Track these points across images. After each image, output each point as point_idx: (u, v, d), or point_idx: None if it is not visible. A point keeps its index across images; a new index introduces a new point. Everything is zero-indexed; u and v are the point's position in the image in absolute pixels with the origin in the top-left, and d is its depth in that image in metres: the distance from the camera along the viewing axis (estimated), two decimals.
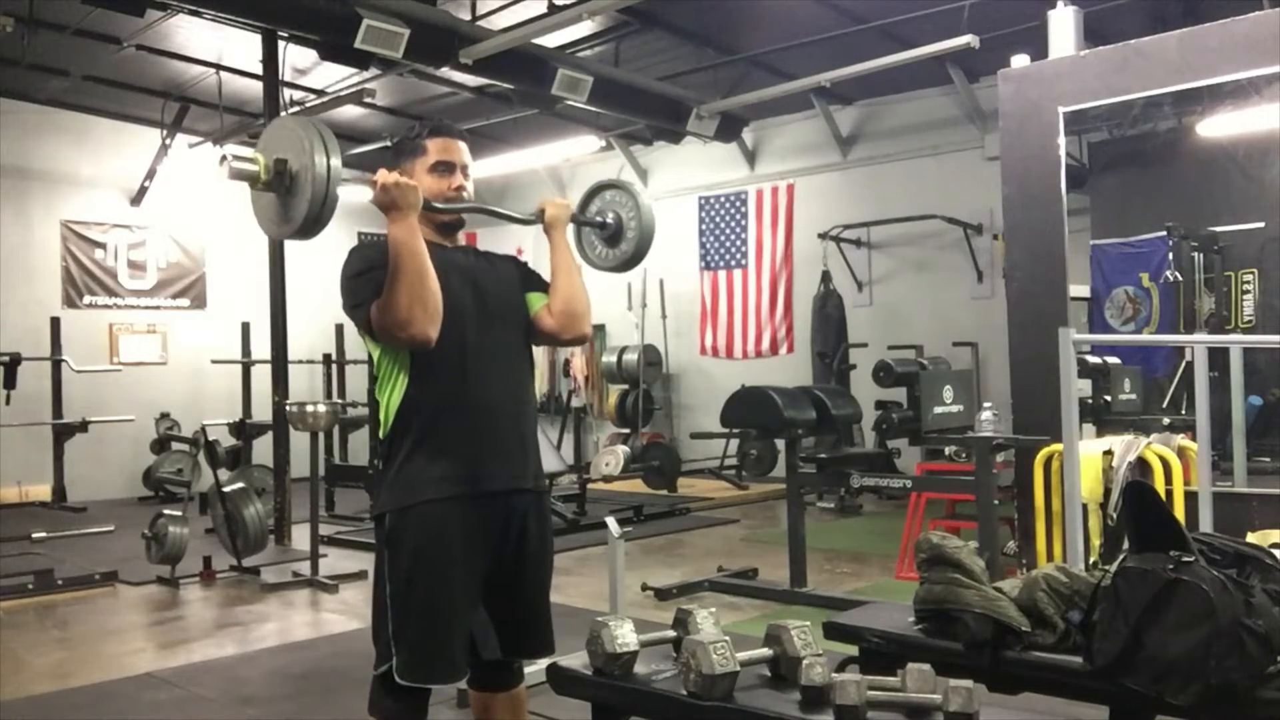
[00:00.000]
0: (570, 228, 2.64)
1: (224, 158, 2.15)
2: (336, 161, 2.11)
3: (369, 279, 2.23)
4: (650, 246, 2.73)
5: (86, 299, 10.43)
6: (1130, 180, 8.27)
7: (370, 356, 2.42)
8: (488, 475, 2.30)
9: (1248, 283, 7.48)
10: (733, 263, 11.10)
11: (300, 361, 7.60)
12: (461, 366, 2.30)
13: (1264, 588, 2.14)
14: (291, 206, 2.16)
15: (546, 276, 2.54)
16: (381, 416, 2.35)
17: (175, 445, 9.82)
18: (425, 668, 2.23)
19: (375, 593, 2.32)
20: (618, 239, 2.73)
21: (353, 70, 8.42)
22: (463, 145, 2.44)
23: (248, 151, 2.18)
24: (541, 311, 2.47)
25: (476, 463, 2.29)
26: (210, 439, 6.96)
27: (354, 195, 13.61)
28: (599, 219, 2.75)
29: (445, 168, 2.39)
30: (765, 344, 10.85)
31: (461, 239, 2.54)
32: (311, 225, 2.14)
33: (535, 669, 2.71)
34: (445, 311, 2.23)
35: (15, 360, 8.41)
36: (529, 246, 12.62)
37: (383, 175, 2.22)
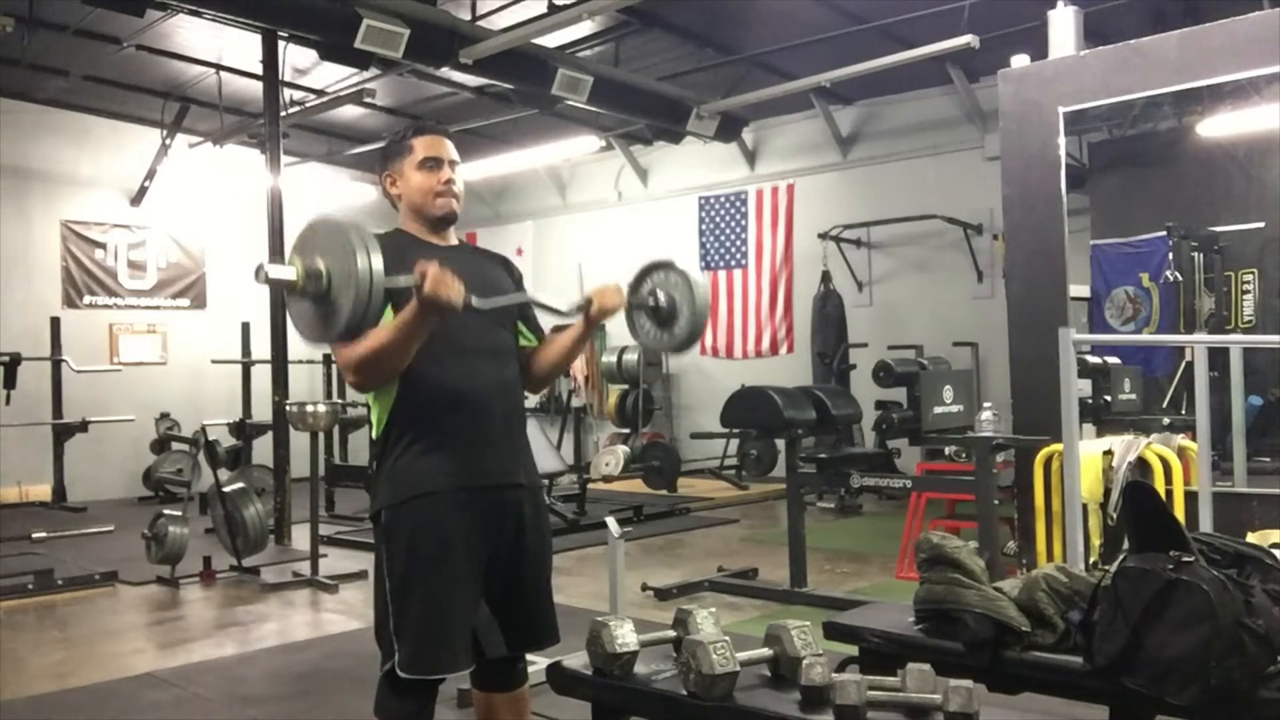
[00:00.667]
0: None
1: (259, 267, 2.03)
2: (378, 261, 1.98)
3: None
4: (705, 325, 2.57)
5: (86, 299, 10.43)
6: (1130, 180, 8.27)
7: None
8: (481, 470, 2.31)
9: (1248, 283, 7.48)
10: (733, 263, 11.10)
11: (300, 361, 7.60)
12: (454, 366, 2.31)
13: (1264, 588, 2.14)
14: (333, 312, 2.03)
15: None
16: (374, 416, 2.36)
17: (175, 445, 9.82)
18: (428, 659, 2.23)
19: (376, 591, 2.33)
20: (671, 322, 2.56)
21: (353, 70, 8.42)
22: (449, 142, 2.45)
23: (281, 266, 2.03)
24: (524, 352, 2.51)
25: (468, 459, 2.30)
26: (210, 439, 6.96)
27: (354, 196, 13.67)
28: (652, 302, 2.55)
29: (434, 163, 2.40)
30: (765, 344, 10.85)
31: (457, 237, 2.53)
32: (356, 329, 2.03)
33: (535, 669, 2.71)
34: None
35: (15, 360, 8.41)
36: (529, 247, 12.69)
37: (433, 278, 2.04)
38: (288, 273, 2.03)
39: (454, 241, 2.51)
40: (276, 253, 7.33)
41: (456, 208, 2.44)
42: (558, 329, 2.57)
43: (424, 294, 2.05)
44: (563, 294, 2.50)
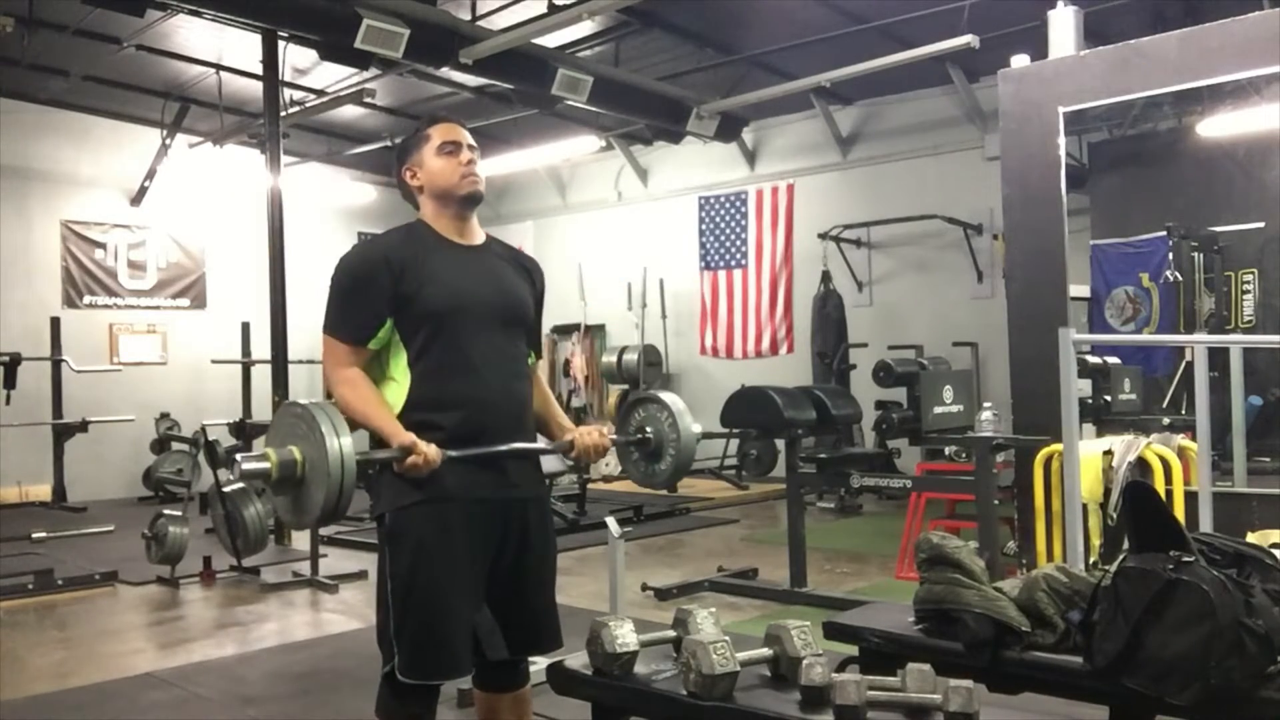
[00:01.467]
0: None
1: (234, 461, 2.09)
2: (348, 442, 2.03)
3: (347, 306, 2.30)
4: (691, 462, 2.67)
5: (86, 299, 10.43)
6: (1130, 180, 8.27)
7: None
8: (487, 475, 2.30)
9: (1248, 283, 7.48)
10: (733, 263, 11.10)
11: (300, 361, 7.59)
12: (463, 367, 2.30)
13: (1264, 588, 2.14)
14: (306, 497, 2.09)
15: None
16: None
17: (175, 445, 9.82)
18: (427, 664, 2.23)
19: (378, 592, 2.33)
20: (658, 457, 2.66)
21: (353, 70, 8.43)
22: (464, 129, 2.47)
23: (255, 456, 2.09)
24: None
25: (476, 462, 2.29)
26: (210, 439, 6.96)
27: (354, 196, 13.67)
28: (638, 435, 2.65)
29: (453, 146, 2.41)
30: (765, 344, 10.85)
31: (479, 231, 2.51)
32: (330, 514, 2.08)
33: (536, 669, 2.71)
34: (456, 313, 2.28)
35: (15, 360, 8.41)
36: (529, 247, 12.67)
37: (414, 455, 2.15)
38: (261, 464, 2.06)
39: (479, 238, 2.48)
40: (277, 256, 7.32)
41: (481, 187, 2.44)
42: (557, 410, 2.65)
43: (401, 468, 2.16)
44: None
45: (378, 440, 2.23)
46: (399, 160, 2.47)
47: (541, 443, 2.52)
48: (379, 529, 2.34)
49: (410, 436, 2.17)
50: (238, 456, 2.09)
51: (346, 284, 2.32)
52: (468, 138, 2.45)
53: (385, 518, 2.31)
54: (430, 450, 2.16)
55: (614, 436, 2.58)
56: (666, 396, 2.66)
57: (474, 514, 2.29)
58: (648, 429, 2.64)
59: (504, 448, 2.31)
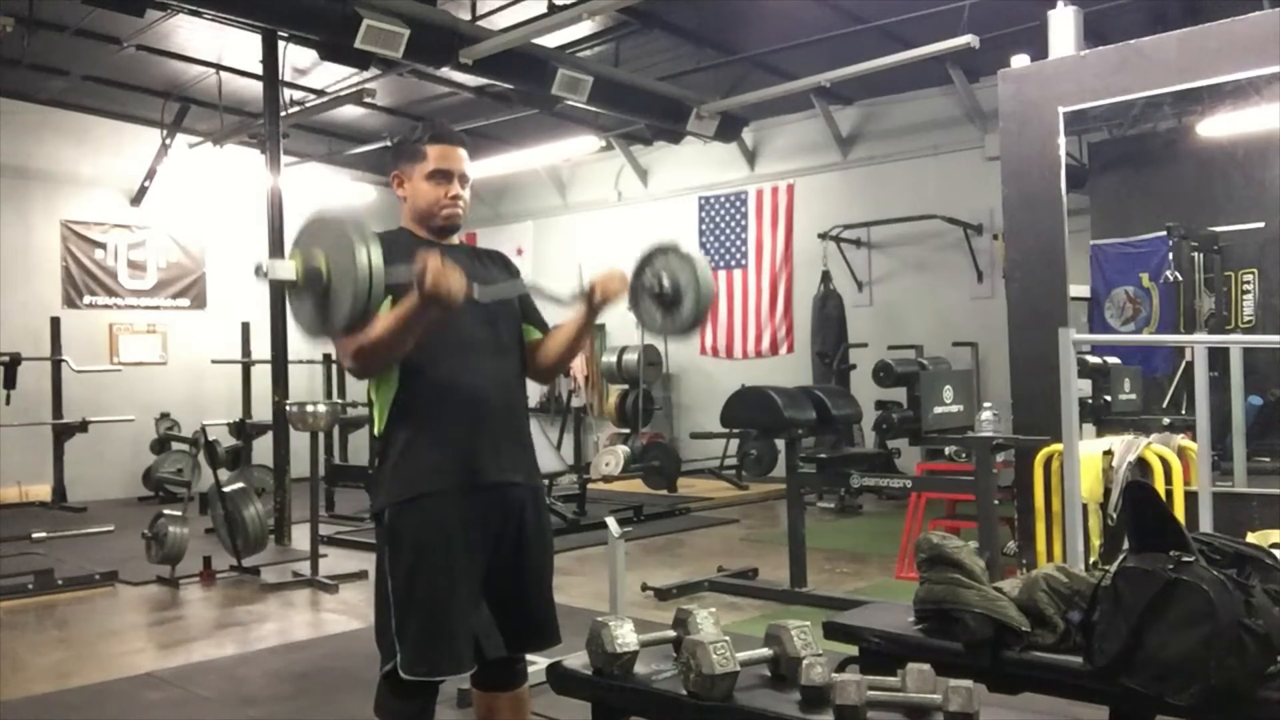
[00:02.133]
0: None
1: (258, 266, 2.03)
2: (378, 256, 1.99)
3: None
4: (709, 308, 2.54)
5: (86, 299, 10.43)
6: (1130, 180, 8.27)
7: None
8: (483, 469, 2.31)
9: (1248, 283, 7.47)
10: (733, 263, 11.10)
11: (300, 361, 7.60)
12: (456, 364, 2.31)
13: (1264, 588, 2.14)
14: (332, 307, 2.04)
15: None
16: (375, 414, 2.36)
17: (175, 445, 9.82)
18: (429, 661, 2.24)
19: (377, 591, 2.33)
20: (676, 305, 2.52)
21: (353, 70, 8.42)
22: (462, 152, 2.43)
23: (282, 262, 2.05)
24: (530, 346, 2.50)
25: (471, 457, 2.30)
26: (210, 439, 6.96)
27: (354, 196, 13.67)
28: (655, 287, 2.52)
29: (443, 176, 2.39)
30: (765, 344, 10.85)
31: (459, 238, 2.54)
32: (355, 325, 2.05)
33: (535, 669, 2.70)
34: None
35: (15, 360, 8.41)
36: (529, 247, 12.68)
37: (433, 271, 2.02)
38: (288, 270, 2.03)
39: (455, 242, 2.51)
40: (277, 254, 7.34)
41: (460, 220, 2.44)
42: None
43: (425, 287, 2.03)
44: (564, 291, 2.49)
45: (406, 320, 2.12)
46: (392, 161, 2.47)
47: (563, 292, 2.43)
48: (377, 527, 2.34)
49: (426, 256, 2.04)
50: (262, 262, 2.03)
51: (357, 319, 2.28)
52: (462, 164, 2.41)
53: (384, 515, 2.31)
54: (449, 267, 2.04)
55: (634, 286, 2.49)
56: (683, 246, 2.54)
57: (471, 508, 2.29)
58: (664, 277, 2.50)
59: (521, 282, 2.34)
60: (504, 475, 2.35)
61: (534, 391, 7.64)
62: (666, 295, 2.48)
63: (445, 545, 2.26)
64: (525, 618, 2.40)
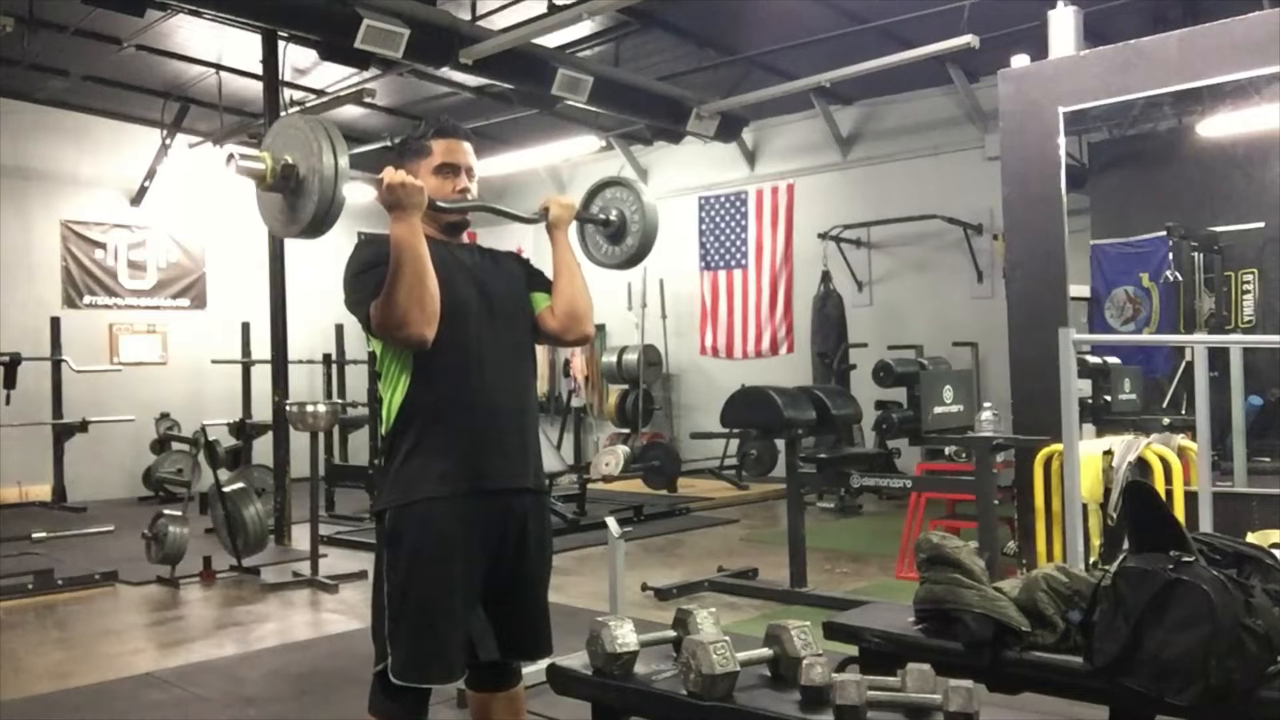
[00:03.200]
0: (573, 227, 2.62)
1: (231, 156, 2.12)
2: (344, 161, 2.09)
3: (371, 276, 2.23)
4: (654, 243, 2.70)
5: (86, 299, 10.43)
6: (1130, 180, 8.27)
7: (373, 354, 2.43)
8: (489, 474, 2.30)
9: (1248, 283, 7.48)
10: (733, 263, 11.10)
11: (300, 361, 7.60)
12: (465, 365, 2.30)
13: (1264, 588, 2.14)
14: (298, 206, 2.15)
15: (549, 274, 2.53)
16: (384, 413, 2.35)
17: (175, 445, 9.82)
18: (421, 668, 2.23)
19: (375, 591, 2.33)
20: (621, 236, 2.71)
21: (353, 70, 8.42)
22: (468, 146, 2.44)
23: (254, 151, 2.16)
24: (545, 312, 2.47)
25: (478, 461, 2.29)
26: (210, 439, 6.96)
27: (355, 196, 13.58)
28: (602, 216, 2.72)
29: (450, 170, 2.39)
30: (765, 344, 10.85)
31: (464, 238, 2.54)
32: (319, 225, 2.13)
33: (535, 669, 2.70)
34: (449, 310, 2.24)
35: (15, 360, 8.40)
36: (529, 246, 12.66)
37: (389, 174, 2.21)
38: (258, 164, 2.12)
39: (463, 241, 2.52)
40: (277, 256, 7.34)
41: (469, 216, 2.44)
42: None
43: (380, 196, 2.19)
44: (523, 211, 2.62)
45: (397, 249, 2.18)
46: (397, 159, 2.45)
47: (521, 212, 2.62)
48: (378, 527, 2.34)
49: (390, 173, 2.23)
50: (234, 152, 2.13)
51: (366, 264, 2.28)
52: (468, 158, 2.43)
53: (385, 516, 2.30)
54: (401, 173, 2.22)
55: (581, 214, 2.67)
56: (634, 181, 2.76)
57: (474, 514, 2.28)
58: (612, 210, 2.72)
59: (481, 204, 2.43)
60: (511, 481, 2.34)
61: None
62: (613, 225, 2.70)
63: (443, 553, 2.24)
64: (520, 627, 2.39)
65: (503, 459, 2.32)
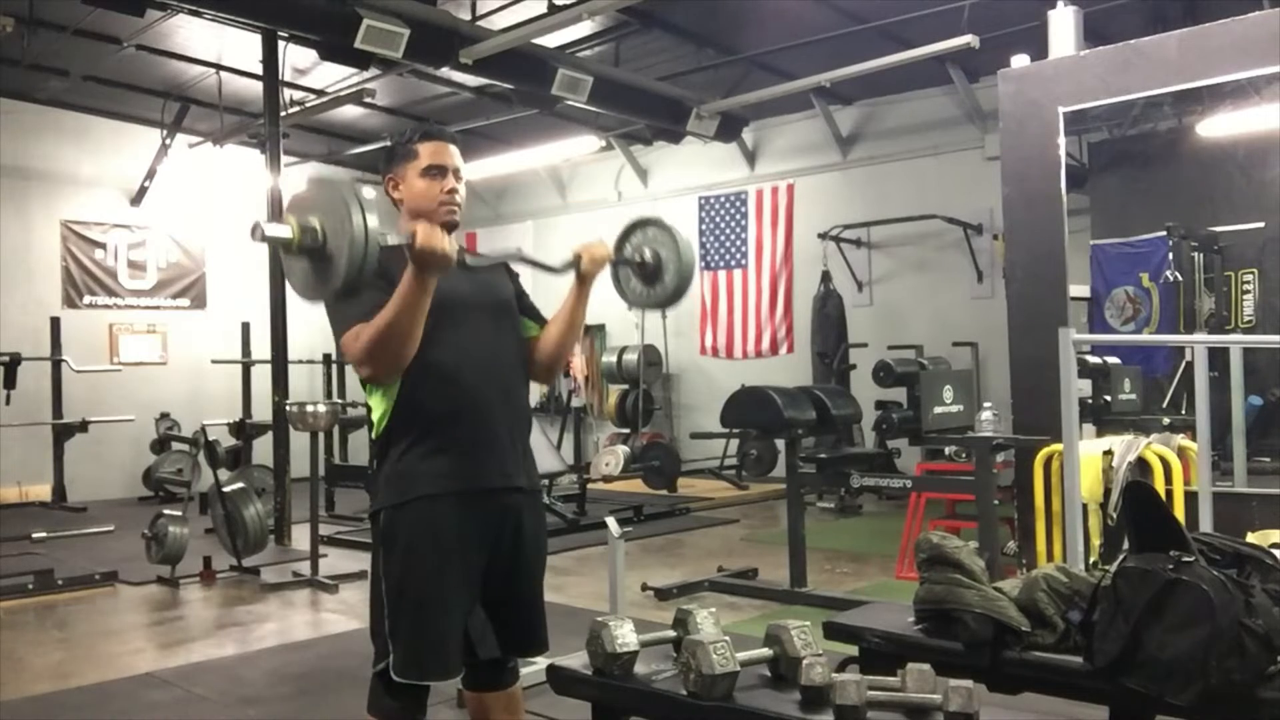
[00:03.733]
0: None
1: (256, 225, 2.04)
2: (374, 220, 2.00)
3: (354, 305, 2.21)
4: (690, 283, 2.62)
5: (86, 299, 10.43)
6: (1130, 180, 8.27)
7: None
8: (482, 473, 2.30)
9: (1248, 283, 7.48)
10: (733, 263, 11.10)
11: (300, 361, 7.60)
12: (457, 367, 2.30)
13: (1264, 588, 2.14)
14: (329, 269, 2.05)
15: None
16: (375, 416, 2.35)
17: (175, 445, 9.82)
18: (421, 665, 2.24)
19: (373, 590, 2.33)
20: (657, 278, 2.61)
21: (353, 70, 8.42)
22: (454, 148, 2.42)
23: (278, 225, 2.06)
24: (530, 342, 2.50)
25: (470, 461, 2.29)
26: (210, 439, 6.96)
27: None
28: (638, 259, 2.61)
29: (437, 171, 2.38)
30: (765, 344, 10.85)
31: (461, 239, 2.53)
32: (352, 287, 2.04)
33: (535, 669, 2.70)
34: (443, 311, 2.24)
35: (15, 360, 8.41)
36: (529, 247, 12.66)
37: (423, 235, 2.07)
38: (284, 230, 2.05)
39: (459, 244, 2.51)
40: (277, 256, 7.31)
41: (458, 215, 2.43)
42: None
43: (416, 248, 2.06)
44: (553, 260, 2.53)
45: (406, 295, 2.13)
46: (385, 166, 2.45)
47: (554, 262, 2.48)
48: (374, 527, 2.34)
49: (416, 224, 2.11)
50: (259, 222, 2.05)
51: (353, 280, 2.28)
52: (455, 160, 2.41)
53: (380, 516, 2.30)
54: (438, 231, 2.10)
55: (616, 258, 2.58)
56: (667, 221, 2.64)
57: (469, 512, 2.28)
58: (646, 251, 2.61)
59: (513, 249, 2.35)
60: (504, 481, 2.34)
61: (534, 391, 7.63)
62: (649, 267, 2.59)
63: (439, 550, 2.25)
64: (518, 624, 2.39)
65: (494, 460, 2.32)
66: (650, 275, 2.61)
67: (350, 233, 1.99)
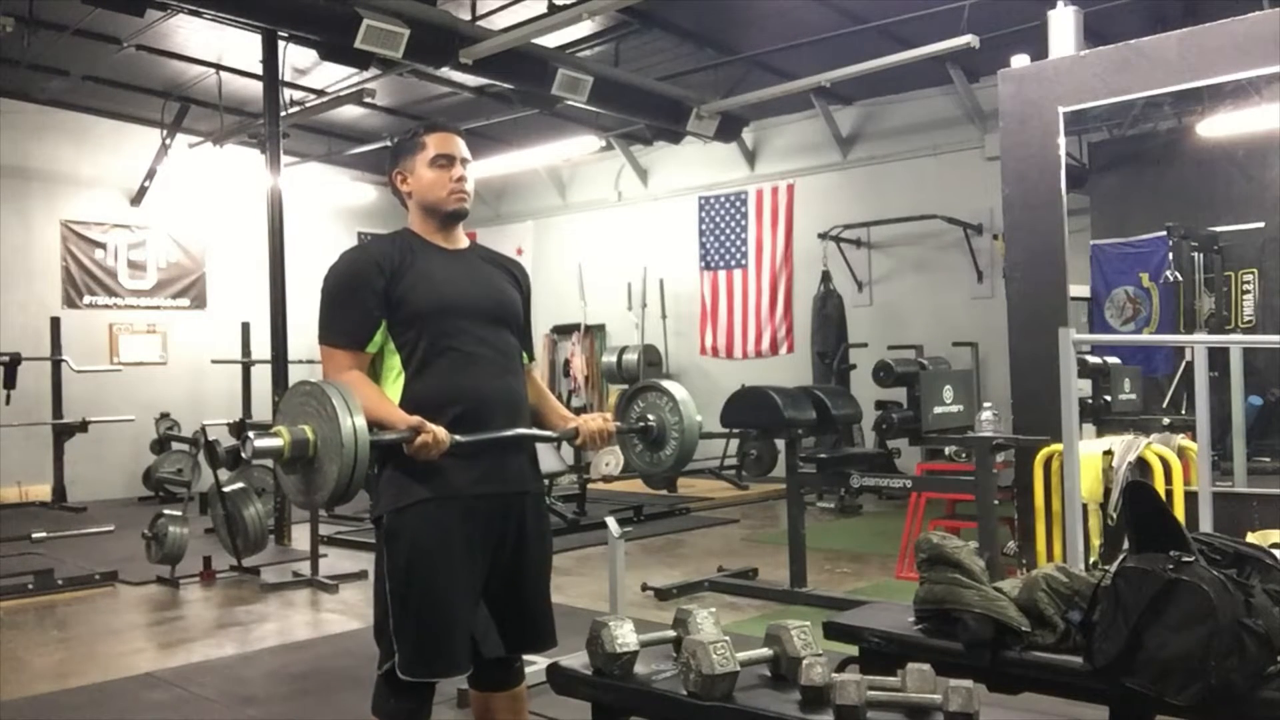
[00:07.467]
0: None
1: (246, 438, 2.03)
2: (361, 420, 2.00)
3: (344, 317, 2.27)
4: (695, 448, 2.65)
5: (86, 299, 10.43)
6: (1130, 180, 8.27)
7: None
8: (484, 475, 2.31)
9: (1248, 283, 7.47)
10: (733, 263, 11.10)
11: (300, 361, 7.58)
12: (458, 366, 2.31)
13: (1264, 588, 2.14)
14: (320, 476, 2.05)
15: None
16: None
17: (175, 445, 9.82)
18: (427, 662, 2.24)
19: (376, 591, 2.33)
20: (661, 443, 2.64)
21: (353, 70, 8.42)
22: (460, 140, 2.45)
23: (268, 438, 2.05)
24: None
25: (473, 463, 2.29)
26: (210, 439, 6.94)
27: (354, 196, 13.68)
28: (640, 425, 2.64)
29: (446, 160, 2.40)
30: (765, 344, 10.85)
31: (464, 237, 2.53)
32: (341, 495, 2.03)
33: (535, 669, 2.70)
34: (445, 312, 2.27)
35: (15, 360, 8.40)
36: (529, 247, 12.68)
37: (424, 434, 2.13)
38: (275, 441, 2.03)
39: (463, 244, 2.50)
40: (277, 256, 7.31)
41: (467, 204, 2.44)
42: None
43: (412, 449, 2.12)
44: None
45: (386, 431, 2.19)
46: (391, 162, 2.47)
47: (547, 430, 2.51)
48: (377, 531, 2.34)
49: (418, 418, 2.15)
50: (249, 435, 2.04)
51: (340, 290, 2.32)
52: (462, 150, 2.43)
53: (383, 519, 2.30)
54: (439, 431, 2.15)
55: (617, 424, 2.58)
56: (668, 385, 2.66)
57: (472, 513, 2.29)
58: (650, 417, 2.64)
59: (510, 433, 2.30)
60: (505, 483, 2.35)
61: None
62: (652, 432, 2.62)
63: (443, 548, 2.25)
64: (523, 620, 2.40)
65: (497, 462, 2.33)
66: (655, 441, 2.64)
67: (341, 444, 1.97)
